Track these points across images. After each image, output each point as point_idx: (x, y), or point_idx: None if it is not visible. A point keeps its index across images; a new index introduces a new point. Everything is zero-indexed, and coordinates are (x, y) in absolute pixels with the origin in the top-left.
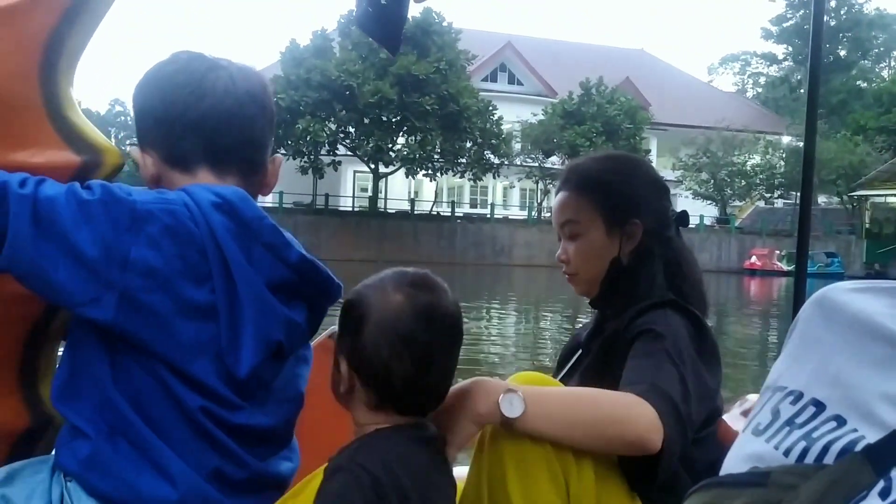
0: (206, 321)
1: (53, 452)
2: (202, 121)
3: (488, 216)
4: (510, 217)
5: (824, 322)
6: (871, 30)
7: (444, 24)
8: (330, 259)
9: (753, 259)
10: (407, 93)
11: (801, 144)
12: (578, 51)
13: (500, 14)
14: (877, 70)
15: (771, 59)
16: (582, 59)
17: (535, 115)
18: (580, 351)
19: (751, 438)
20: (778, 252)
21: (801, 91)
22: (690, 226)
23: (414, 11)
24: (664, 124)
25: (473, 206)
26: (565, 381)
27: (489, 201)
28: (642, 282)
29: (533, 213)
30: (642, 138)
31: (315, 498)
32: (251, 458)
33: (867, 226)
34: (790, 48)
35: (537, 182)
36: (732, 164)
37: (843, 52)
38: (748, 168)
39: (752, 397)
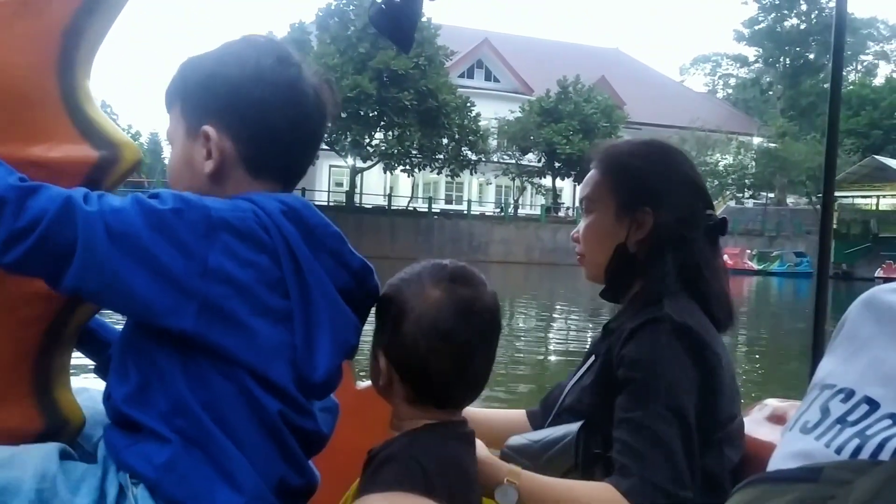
0: (281, 326)
1: (102, 448)
2: (292, 144)
3: (465, 212)
4: (487, 213)
5: (875, 322)
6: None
7: (424, 19)
8: None
9: (725, 258)
10: (385, 88)
11: (772, 145)
12: (555, 49)
13: (477, 11)
14: (843, 74)
15: (741, 60)
16: (558, 57)
17: (512, 112)
18: (593, 355)
19: (798, 436)
20: (749, 251)
21: (771, 93)
22: None
23: (426, 10)
24: (639, 123)
25: (449, 202)
26: (575, 386)
27: (464, 198)
28: (651, 277)
29: (509, 209)
30: (618, 137)
31: (363, 485)
32: (307, 466)
33: (835, 227)
34: (761, 50)
35: (513, 179)
36: (706, 163)
37: (811, 56)
38: (721, 168)
39: (771, 401)
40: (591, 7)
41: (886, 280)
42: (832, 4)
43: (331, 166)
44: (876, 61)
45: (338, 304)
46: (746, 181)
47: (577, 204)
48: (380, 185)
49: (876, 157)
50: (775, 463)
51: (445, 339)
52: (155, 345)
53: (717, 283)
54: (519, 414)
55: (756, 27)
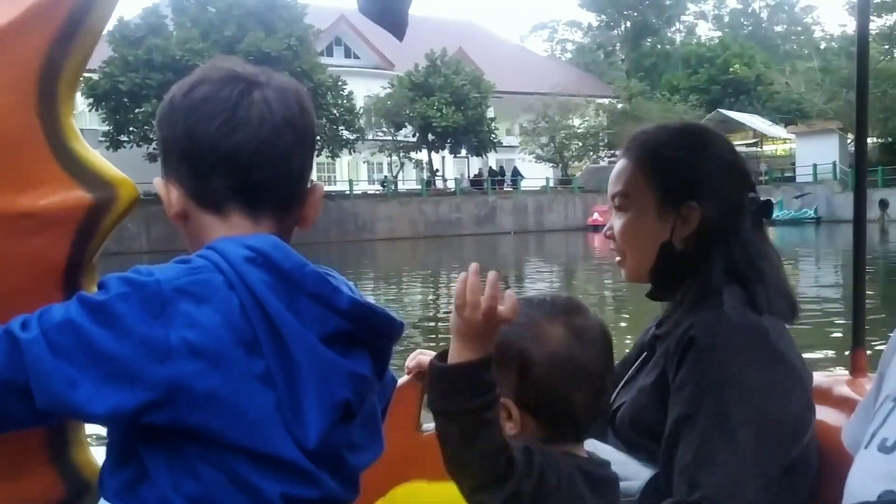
0: (266, 388)
1: None
2: (233, 156)
3: (347, 192)
4: (369, 192)
5: None
6: None
7: None
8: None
9: (596, 216)
10: None
11: (621, 106)
12: (411, 22)
13: None
14: (669, 35)
15: (577, 25)
16: (415, 31)
17: (384, 88)
18: (645, 352)
19: (878, 457)
20: None
21: (616, 56)
22: (536, 188)
23: None
24: (500, 92)
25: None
26: (628, 384)
27: (336, 178)
28: (697, 277)
29: (391, 186)
30: (487, 107)
31: None
32: None
33: None
34: (603, 17)
35: (390, 155)
36: (569, 127)
37: (651, 19)
38: (581, 131)
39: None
40: None
41: None
42: None
43: None
44: (696, 21)
45: (321, 357)
46: (600, 141)
47: (455, 176)
48: None
49: (720, 110)
50: (856, 488)
51: (581, 373)
52: (139, 440)
53: (773, 272)
54: None
55: None
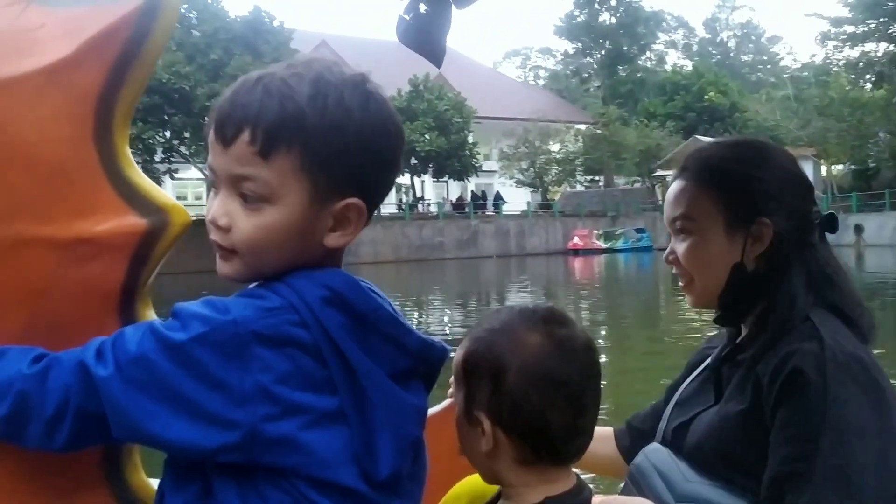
0: (337, 426)
1: None
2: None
3: None
4: None
5: None
6: (639, 25)
7: (276, 24)
8: (175, 272)
9: (576, 240)
10: None
11: (598, 131)
12: (390, 48)
13: (310, 12)
14: (639, 63)
15: (549, 53)
16: (394, 56)
17: None
18: (701, 370)
19: None
20: (596, 232)
21: (593, 83)
22: (517, 212)
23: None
24: (480, 117)
25: None
26: (686, 405)
27: None
28: (780, 297)
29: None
30: (470, 132)
31: None
32: None
33: (661, 203)
34: (580, 45)
35: None
36: (548, 152)
37: (623, 48)
38: (560, 156)
39: None
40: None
41: None
42: None
43: (174, 179)
44: (666, 50)
45: (395, 397)
46: (576, 167)
47: (436, 200)
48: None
49: (697, 136)
50: None
51: (558, 386)
52: (205, 463)
53: (847, 286)
54: (605, 431)
55: (573, 22)
